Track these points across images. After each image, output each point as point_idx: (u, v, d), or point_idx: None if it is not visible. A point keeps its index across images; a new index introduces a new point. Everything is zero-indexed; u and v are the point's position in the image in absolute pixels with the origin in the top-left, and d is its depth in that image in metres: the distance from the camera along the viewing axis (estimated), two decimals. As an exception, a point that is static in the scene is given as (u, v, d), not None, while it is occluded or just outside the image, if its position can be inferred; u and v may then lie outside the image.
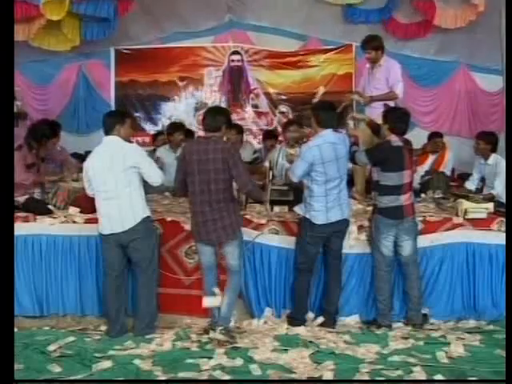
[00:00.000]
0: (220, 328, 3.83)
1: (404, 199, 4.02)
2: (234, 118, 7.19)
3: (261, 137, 6.99)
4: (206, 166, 3.70)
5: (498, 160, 5.18)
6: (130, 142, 4.15)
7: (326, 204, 3.92)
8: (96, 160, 3.92)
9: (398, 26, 6.72)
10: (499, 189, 4.97)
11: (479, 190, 5.33)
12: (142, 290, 4.01)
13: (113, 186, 3.83)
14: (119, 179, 3.82)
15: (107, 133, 3.96)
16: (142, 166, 3.87)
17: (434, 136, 6.28)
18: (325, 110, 4.04)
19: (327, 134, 3.94)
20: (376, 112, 4.98)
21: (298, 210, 4.12)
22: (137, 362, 3.51)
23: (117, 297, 4.00)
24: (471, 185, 5.45)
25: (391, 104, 4.98)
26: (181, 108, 7.44)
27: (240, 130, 6.21)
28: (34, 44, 6.28)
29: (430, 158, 6.16)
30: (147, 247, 3.95)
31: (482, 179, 5.43)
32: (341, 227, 4.02)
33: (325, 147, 3.89)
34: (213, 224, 3.76)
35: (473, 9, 6.08)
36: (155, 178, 3.92)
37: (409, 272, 4.14)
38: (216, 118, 3.80)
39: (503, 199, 4.49)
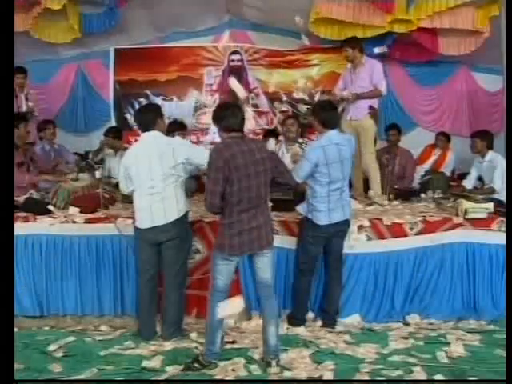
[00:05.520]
0: (275, 360, 3.42)
1: None
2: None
3: (261, 136, 6.97)
4: (257, 168, 3.24)
5: (494, 156, 5.23)
6: (168, 135, 4.08)
7: (329, 205, 3.88)
8: (139, 158, 3.76)
9: (405, 48, 6.49)
10: (498, 182, 5.01)
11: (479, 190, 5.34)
12: (172, 293, 3.83)
13: (160, 182, 3.70)
14: (167, 175, 3.70)
15: (146, 128, 3.82)
16: (194, 157, 3.76)
17: (440, 134, 6.33)
18: (327, 110, 3.96)
19: (332, 135, 3.88)
20: (362, 112, 5.03)
21: (300, 209, 4.09)
22: (137, 361, 3.51)
23: (151, 298, 3.90)
24: (468, 183, 5.46)
25: (375, 105, 5.04)
26: (181, 108, 7.42)
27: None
28: (34, 35, 6.24)
29: (432, 158, 6.18)
30: (183, 248, 3.79)
31: (480, 178, 5.46)
32: (342, 227, 4.01)
33: (329, 148, 3.83)
34: (259, 230, 3.30)
35: (478, 36, 5.88)
36: (205, 160, 3.45)
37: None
38: (239, 115, 3.32)
39: (503, 193, 4.50)
